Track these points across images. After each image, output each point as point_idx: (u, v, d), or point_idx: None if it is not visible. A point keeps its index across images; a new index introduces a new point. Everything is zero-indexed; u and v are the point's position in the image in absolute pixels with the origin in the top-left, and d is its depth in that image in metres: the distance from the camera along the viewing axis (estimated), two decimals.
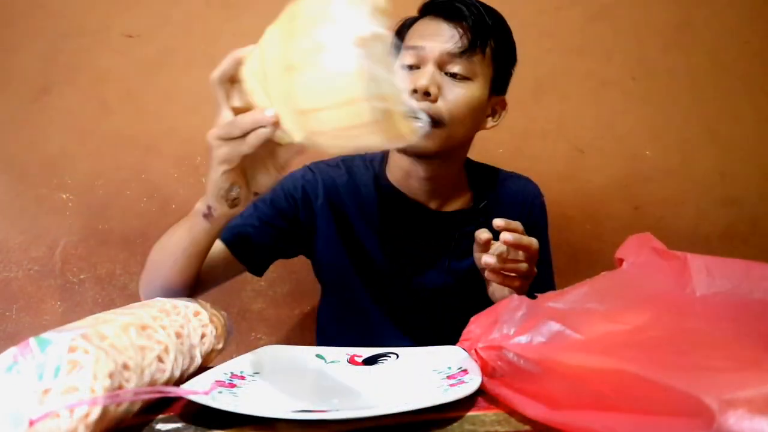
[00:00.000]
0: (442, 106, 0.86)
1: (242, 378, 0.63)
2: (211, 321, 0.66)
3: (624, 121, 1.43)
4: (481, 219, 0.99)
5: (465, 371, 0.60)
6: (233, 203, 0.66)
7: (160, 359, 0.53)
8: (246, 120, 0.57)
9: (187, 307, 0.65)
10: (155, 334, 0.54)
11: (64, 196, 1.28)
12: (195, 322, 0.63)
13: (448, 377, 0.62)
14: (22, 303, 1.28)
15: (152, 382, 0.50)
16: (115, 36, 1.28)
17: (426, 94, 0.85)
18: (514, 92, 1.39)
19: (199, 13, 1.30)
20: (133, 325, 0.52)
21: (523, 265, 0.78)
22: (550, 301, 0.58)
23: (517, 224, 0.77)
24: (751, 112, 1.46)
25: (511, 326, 0.56)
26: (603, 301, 0.57)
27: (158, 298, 0.66)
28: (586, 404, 0.45)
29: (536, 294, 0.64)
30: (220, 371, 0.62)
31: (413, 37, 0.90)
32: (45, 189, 1.27)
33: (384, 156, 1.02)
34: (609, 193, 1.44)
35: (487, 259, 0.76)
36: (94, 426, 0.40)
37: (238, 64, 0.59)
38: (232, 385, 0.60)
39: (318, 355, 0.73)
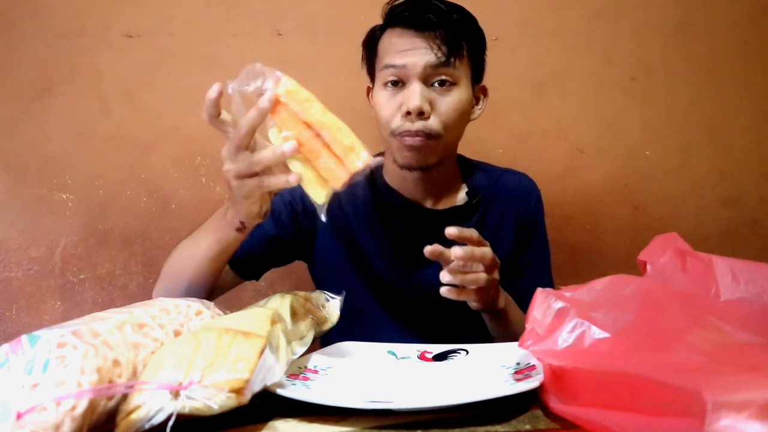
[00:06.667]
0: (435, 121, 0.87)
1: (315, 372, 0.67)
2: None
3: (624, 121, 1.43)
4: (476, 215, 1.00)
5: (533, 367, 0.61)
6: (264, 216, 0.74)
7: None
8: (266, 156, 0.64)
9: (189, 306, 0.65)
10: (152, 332, 0.54)
11: (64, 196, 1.28)
12: (197, 321, 0.63)
13: (516, 372, 0.63)
14: (22, 303, 1.28)
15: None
16: (115, 36, 1.28)
17: (420, 114, 0.85)
18: (514, 92, 1.40)
19: (199, 13, 1.30)
20: (129, 323, 0.52)
21: (482, 276, 0.76)
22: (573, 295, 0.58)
23: (471, 232, 0.76)
24: (750, 112, 1.45)
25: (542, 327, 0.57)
26: (629, 298, 0.57)
27: (161, 298, 0.66)
28: (601, 403, 0.46)
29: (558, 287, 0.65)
30: (294, 366, 0.65)
31: (388, 53, 0.88)
32: (45, 189, 1.27)
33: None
34: (609, 193, 1.43)
35: (444, 276, 0.75)
36: (81, 419, 0.40)
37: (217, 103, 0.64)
38: (306, 378, 0.63)
39: (389, 352, 0.76)
